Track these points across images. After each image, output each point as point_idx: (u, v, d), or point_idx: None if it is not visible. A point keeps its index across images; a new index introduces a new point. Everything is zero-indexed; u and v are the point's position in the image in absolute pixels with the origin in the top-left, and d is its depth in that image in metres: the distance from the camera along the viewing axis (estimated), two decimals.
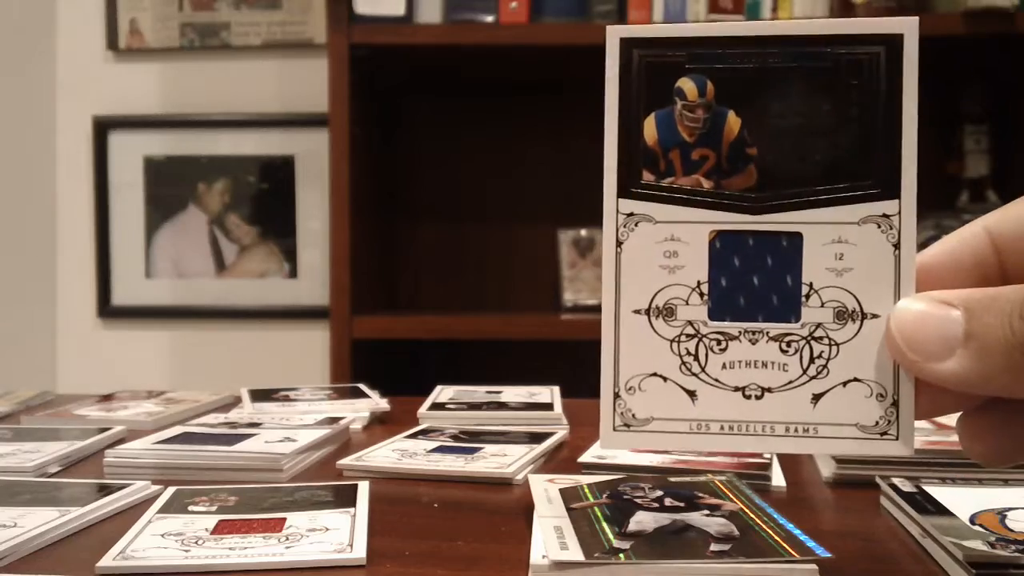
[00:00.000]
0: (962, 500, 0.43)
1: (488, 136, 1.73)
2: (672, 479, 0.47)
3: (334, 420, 0.66)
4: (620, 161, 0.29)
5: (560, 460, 0.59)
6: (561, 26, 1.41)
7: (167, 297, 1.81)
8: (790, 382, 0.29)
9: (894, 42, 0.28)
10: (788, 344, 0.29)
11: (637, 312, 0.29)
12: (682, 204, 0.29)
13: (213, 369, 1.80)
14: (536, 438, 0.61)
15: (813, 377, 0.29)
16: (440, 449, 0.58)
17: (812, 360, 0.29)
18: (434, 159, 1.76)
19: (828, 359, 0.29)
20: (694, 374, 0.29)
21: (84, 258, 1.82)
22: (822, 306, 0.29)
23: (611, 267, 0.29)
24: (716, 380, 0.29)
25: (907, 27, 0.28)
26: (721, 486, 0.45)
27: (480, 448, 0.58)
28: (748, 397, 0.29)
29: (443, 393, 0.80)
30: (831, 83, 0.29)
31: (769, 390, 0.29)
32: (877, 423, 0.29)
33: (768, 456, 0.55)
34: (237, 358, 1.79)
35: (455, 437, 0.62)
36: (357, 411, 0.72)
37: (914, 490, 0.45)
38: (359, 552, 0.39)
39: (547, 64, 1.53)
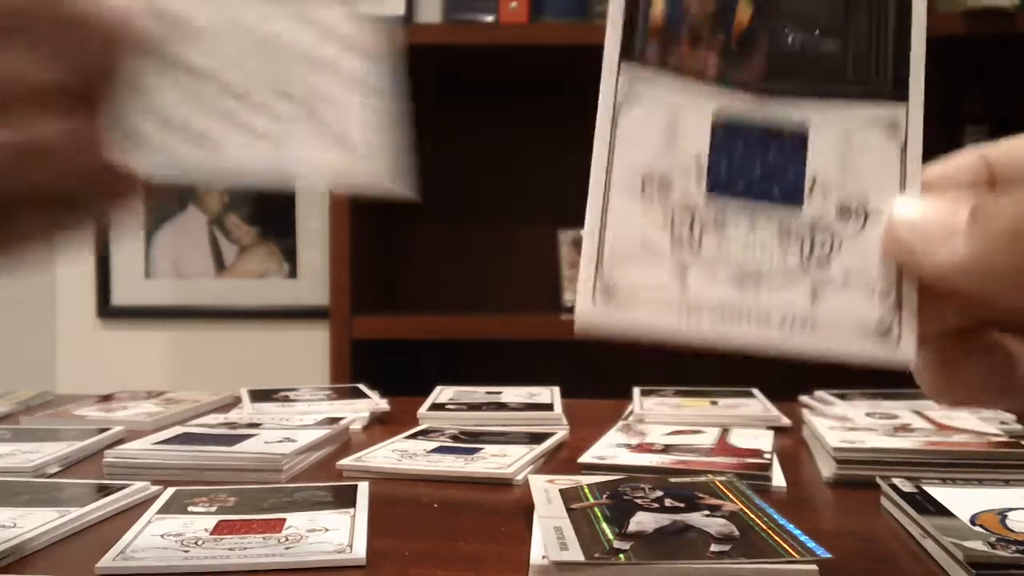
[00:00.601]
0: (962, 500, 0.43)
1: (488, 136, 1.73)
2: (672, 479, 0.47)
3: (334, 420, 0.66)
4: (626, 25, 0.28)
5: (560, 460, 0.59)
6: (561, 26, 1.41)
7: (167, 297, 1.81)
8: (789, 271, 0.27)
9: None
10: (788, 232, 0.27)
11: (631, 180, 0.27)
12: (687, 78, 0.28)
13: (213, 369, 1.80)
14: (536, 438, 0.61)
15: (813, 269, 0.27)
16: (440, 450, 0.58)
17: (812, 250, 0.27)
18: (434, 159, 1.76)
19: (830, 252, 0.27)
20: (687, 252, 0.27)
21: (84, 258, 1.82)
22: (825, 200, 0.28)
23: (605, 132, 0.27)
24: (710, 260, 0.27)
25: None
26: (721, 486, 0.45)
27: (480, 448, 0.58)
28: (743, 281, 0.27)
29: (443, 393, 0.80)
30: None
31: (767, 277, 0.27)
32: (878, 324, 0.27)
33: (768, 456, 0.55)
34: (237, 358, 1.79)
35: (455, 438, 0.62)
36: (357, 411, 0.72)
37: (914, 490, 0.45)
38: (359, 552, 0.39)
39: (547, 64, 1.53)
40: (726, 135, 0.28)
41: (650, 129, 0.27)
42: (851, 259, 0.27)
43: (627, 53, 0.28)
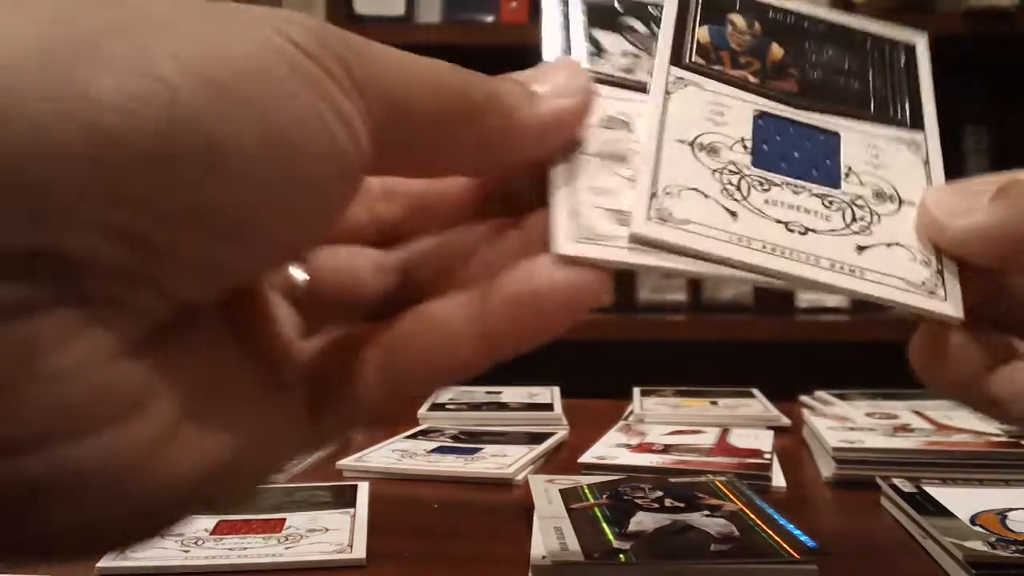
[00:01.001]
0: (962, 500, 0.43)
1: None
2: (672, 479, 0.47)
3: None
4: (674, 46, 0.30)
5: (560, 460, 0.59)
6: None
7: None
8: (834, 229, 0.28)
9: (910, 47, 0.34)
10: (830, 202, 0.29)
11: (681, 142, 0.28)
12: (729, 85, 0.30)
13: None
14: (536, 438, 0.61)
15: (856, 232, 0.28)
16: (440, 449, 0.58)
17: (855, 219, 0.29)
18: None
19: (870, 223, 0.29)
20: (736, 200, 0.28)
21: None
22: (861, 186, 0.30)
23: (657, 111, 0.29)
24: (759, 210, 0.28)
25: (918, 38, 0.34)
26: (721, 486, 0.45)
27: (480, 448, 0.58)
28: (792, 231, 0.28)
29: (443, 393, 0.80)
30: (861, 50, 0.33)
31: (813, 231, 0.28)
32: (924, 283, 0.28)
33: (768, 456, 0.55)
34: None
35: (455, 437, 0.62)
36: None
37: (914, 490, 0.45)
38: (359, 552, 0.39)
39: None
40: (766, 127, 0.30)
41: (697, 111, 0.29)
42: (891, 232, 0.29)
43: (676, 60, 0.30)
